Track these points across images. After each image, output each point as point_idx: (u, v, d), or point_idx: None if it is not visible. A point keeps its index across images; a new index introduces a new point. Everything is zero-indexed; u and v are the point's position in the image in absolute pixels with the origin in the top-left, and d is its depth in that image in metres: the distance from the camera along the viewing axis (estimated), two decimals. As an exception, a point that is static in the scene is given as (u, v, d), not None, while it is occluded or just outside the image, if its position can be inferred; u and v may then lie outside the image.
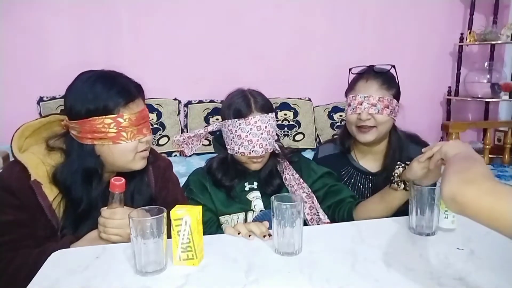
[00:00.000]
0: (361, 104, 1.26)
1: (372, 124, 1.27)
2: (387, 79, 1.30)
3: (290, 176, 1.28)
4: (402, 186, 1.09)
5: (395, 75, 1.33)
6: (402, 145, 1.33)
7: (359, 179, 1.36)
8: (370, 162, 1.38)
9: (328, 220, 1.23)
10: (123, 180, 0.94)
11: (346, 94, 1.36)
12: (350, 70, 1.36)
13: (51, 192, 0.99)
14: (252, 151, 1.20)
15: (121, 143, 0.99)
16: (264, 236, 0.96)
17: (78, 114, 0.97)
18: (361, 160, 1.39)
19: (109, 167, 1.04)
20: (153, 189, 1.15)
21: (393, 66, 1.32)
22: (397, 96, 1.32)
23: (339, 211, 1.25)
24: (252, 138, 1.19)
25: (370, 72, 1.31)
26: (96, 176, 1.02)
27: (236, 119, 1.20)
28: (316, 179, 1.32)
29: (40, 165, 0.99)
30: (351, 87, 1.34)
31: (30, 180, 0.96)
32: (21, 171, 0.97)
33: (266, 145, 1.21)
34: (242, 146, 1.20)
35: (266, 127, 1.21)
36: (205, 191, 1.27)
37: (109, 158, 1.01)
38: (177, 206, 0.85)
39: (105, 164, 1.03)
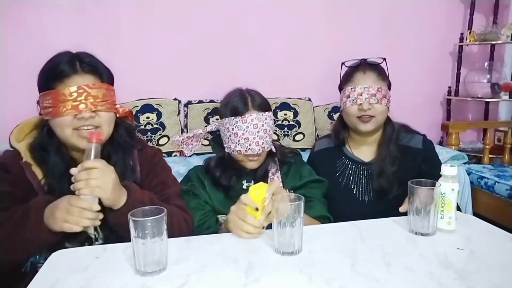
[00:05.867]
0: (361, 95, 1.30)
1: (372, 113, 1.31)
2: (382, 71, 1.36)
3: (275, 178, 1.27)
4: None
5: (385, 68, 1.37)
6: (397, 134, 1.38)
7: (355, 169, 1.39)
8: (364, 152, 1.41)
9: None
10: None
11: (342, 87, 1.39)
12: (343, 63, 1.41)
13: (40, 172, 1.05)
14: (249, 149, 1.20)
15: (57, 117, 1.01)
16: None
17: (39, 88, 1.07)
18: (355, 151, 1.42)
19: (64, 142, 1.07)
20: (138, 174, 1.15)
21: (384, 59, 1.36)
22: (389, 87, 1.37)
23: None
24: (249, 136, 1.20)
25: (365, 65, 1.36)
26: (53, 151, 1.05)
27: (233, 117, 1.21)
28: (299, 186, 1.30)
29: (31, 149, 1.07)
30: (347, 79, 1.37)
31: (21, 161, 1.04)
32: (15, 154, 1.06)
33: (262, 143, 1.21)
34: (238, 144, 1.21)
35: (262, 125, 1.21)
36: (203, 188, 1.27)
37: (56, 133, 1.05)
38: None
39: (61, 140, 1.06)
